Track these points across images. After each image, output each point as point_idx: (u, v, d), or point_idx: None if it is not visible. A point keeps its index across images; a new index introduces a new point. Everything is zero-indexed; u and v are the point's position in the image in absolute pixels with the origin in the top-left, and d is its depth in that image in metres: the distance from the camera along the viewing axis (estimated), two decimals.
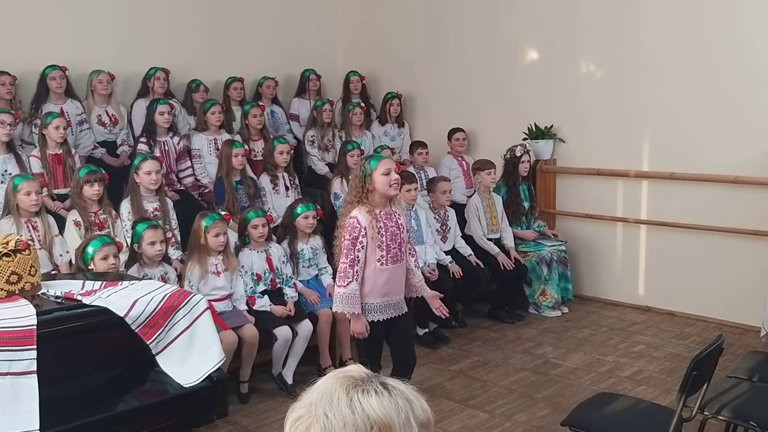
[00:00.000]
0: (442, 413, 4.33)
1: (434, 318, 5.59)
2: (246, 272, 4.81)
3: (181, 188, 6.09)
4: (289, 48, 7.62)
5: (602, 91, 6.37)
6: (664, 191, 6.10)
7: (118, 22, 6.58)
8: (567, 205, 6.73)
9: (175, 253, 5.04)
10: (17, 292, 3.17)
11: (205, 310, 3.43)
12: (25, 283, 3.20)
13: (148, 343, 3.26)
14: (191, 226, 4.75)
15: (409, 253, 3.98)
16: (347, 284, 3.73)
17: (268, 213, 5.16)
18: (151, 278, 4.24)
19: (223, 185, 5.68)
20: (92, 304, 3.23)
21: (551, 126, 6.65)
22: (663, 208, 6.09)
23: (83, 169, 4.99)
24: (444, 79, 7.49)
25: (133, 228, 4.62)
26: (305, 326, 4.79)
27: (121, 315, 3.19)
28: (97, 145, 6.16)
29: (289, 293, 4.90)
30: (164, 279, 4.38)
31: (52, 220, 4.78)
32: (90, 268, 4.11)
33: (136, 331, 3.23)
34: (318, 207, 5.24)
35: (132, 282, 3.58)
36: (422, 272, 4.35)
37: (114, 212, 5.01)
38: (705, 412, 3.19)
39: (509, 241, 6.23)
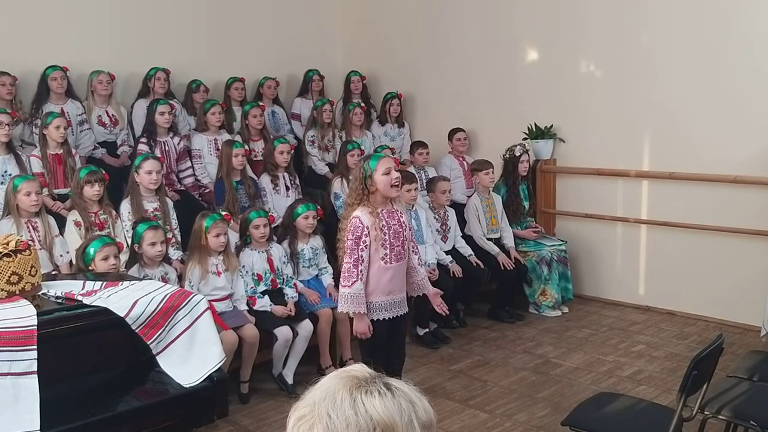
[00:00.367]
0: (443, 413, 4.33)
1: (434, 318, 5.59)
2: (247, 272, 4.81)
3: (182, 188, 6.09)
4: (289, 48, 7.63)
5: (602, 91, 6.38)
6: (664, 191, 6.10)
7: (119, 22, 6.58)
8: (567, 205, 6.73)
9: (175, 254, 5.04)
10: (18, 292, 3.17)
11: (205, 311, 3.43)
12: (26, 283, 3.20)
13: (148, 343, 3.26)
14: (191, 227, 4.76)
15: (413, 251, 3.98)
16: (352, 284, 3.73)
17: (270, 213, 5.16)
18: (151, 278, 4.24)
19: (223, 185, 5.68)
20: (93, 304, 3.23)
21: (551, 126, 6.65)
22: (663, 207, 6.09)
23: (83, 170, 4.99)
24: (444, 79, 7.50)
25: (133, 228, 4.62)
26: (305, 326, 4.79)
27: (122, 315, 3.19)
28: (97, 145, 6.16)
29: (290, 293, 4.90)
30: (165, 279, 4.38)
31: (52, 220, 4.78)
32: (91, 268, 4.11)
33: (136, 331, 3.23)
34: (318, 207, 5.24)
35: (132, 282, 3.58)
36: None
37: (114, 212, 5.01)
38: (705, 412, 3.19)
39: (509, 241, 6.23)
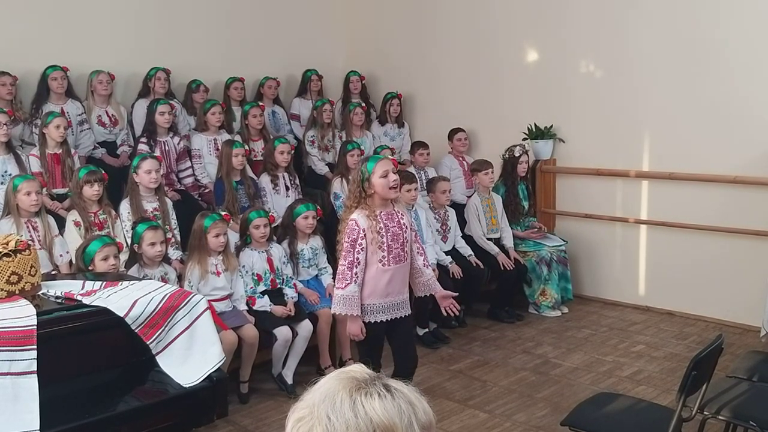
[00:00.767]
0: (442, 413, 4.33)
1: (434, 318, 5.59)
2: (246, 272, 4.81)
3: (182, 188, 6.09)
4: (289, 48, 7.63)
5: (602, 91, 6.38)
6: (664, 191, 6.10)
7: (119, 22, 6.58)
8: (567, 205, 6.73)
9: (174, 254, 5.04)
10: (17, 292, 3.17)
11: (205, 310, 3.43)
12: (26, 283, 3.20)
13: (148, 343, 3.26)
14: (191, 226, 4.76)
15: (417, 252, 3.95)
16: (345, 286, 3.73)
17: (270, 213, 5.16)
18: (151, 278, 4.24)
19: (223, 185, 5.68)
20: (92, 304, 3.24)
21: (551, 126, 6.65)
22: (663, 208, 6.09)
23: (83, 170, 4.99)
24: (444, 79, 7.50)
25: (133, 228, 4.62)
26: (305, 326, 4.79)
27: (121, 315, 3.19)
28: (97, 145, 6.16)
29: (289, 293, 4.90)
30: (164, 279, 4.38)
31: (52, 220, 4.78)
32: (90, 268, 4.11)
33: (136, 331, 3.23)
34: (318, 207, 5.24)
35: (132, 282, 3.58)
36: None
37: (114, 212, 5.01)
38: (705, 412, 3.19)
39: (508, 241, 6.23)
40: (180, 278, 4.66)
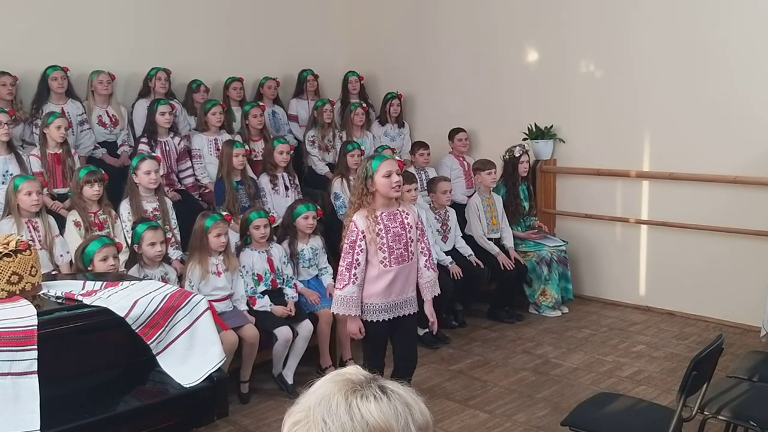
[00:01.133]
0: (442, 413, 4.33)
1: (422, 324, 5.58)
2: (247, 272, 4.81)
3: (182, 188, 6.09)
4: (289, 48, 7.62)
5: (602, 91, 6.38)
6: (664, 191, 6.10)
7: (119, 22, 6.58)
8: (567, 205, 6.73)
9: (175, 254, 5.04)
10: (18, 292, 3.17)
11: (205, 311, 3.44)
12: (26, 283, 3.20)
13: (148, 343, 3.27)
14: (191, 227, 4.76)
15: (421, 252, 3.93)
16: (343, 287, 3.74)
17: (270, 213, 5.16)
18: (151, 279, 4.24)
19: (223, 185, 5.68)
20: (93, 304, 3.24)
21: (551, 126, 6.65)
22: (663, 208, 6.09)
23: (83, 170, 5.00)
24: (444, 80, 7.50)
25: (133, 229, 4.62)
26: (305, 326, 4.80)
27: (122, 315, 3.20)
28: (97, 145, 6.16)
29: (290, 293, 4.90)
30: (164, 279, 4.38)
31: (52, 220, 4.78)
32: (89, 269, 4.11)
33: (136, 331, 3.23)
34: (318, 207, 5.24)
35: (132, 282, 3.58)
36: None
37: (114, 212, 5.01)
38: (705, 412, 3.19)
39: (508, 241, 6.23)
40: (180, 278, 4.66)
